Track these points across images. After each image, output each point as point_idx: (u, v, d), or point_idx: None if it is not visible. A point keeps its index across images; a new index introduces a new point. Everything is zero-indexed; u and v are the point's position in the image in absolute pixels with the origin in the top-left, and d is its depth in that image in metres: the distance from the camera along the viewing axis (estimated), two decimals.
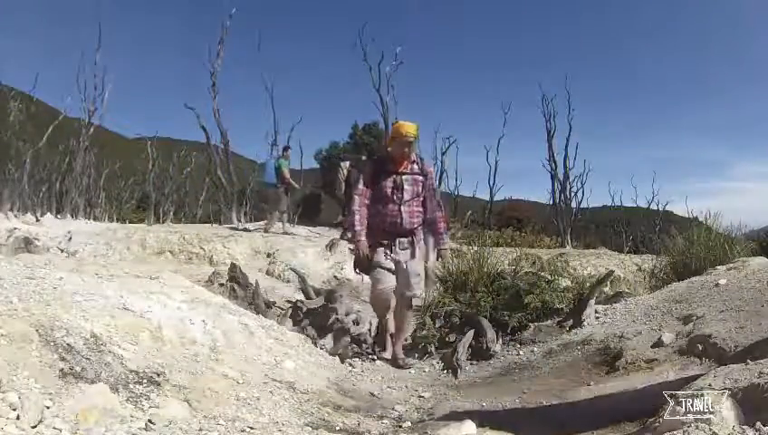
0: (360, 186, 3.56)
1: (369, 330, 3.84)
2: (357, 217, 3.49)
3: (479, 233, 10.89)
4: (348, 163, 8.49)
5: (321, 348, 3.33)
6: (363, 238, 3.46)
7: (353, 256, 3.62)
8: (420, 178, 3.56)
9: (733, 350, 2.42)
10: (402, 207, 3.49)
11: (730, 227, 6.27)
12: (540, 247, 11.32)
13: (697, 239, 5.20)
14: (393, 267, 3.47)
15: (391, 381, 3.19)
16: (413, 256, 3.52)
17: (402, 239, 3.50)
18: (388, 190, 3.50)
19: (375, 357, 3.59)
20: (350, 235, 3.57)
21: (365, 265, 3.54)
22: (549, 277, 4.39)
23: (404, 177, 3.52)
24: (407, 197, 3.51)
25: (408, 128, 3.52)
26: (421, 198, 3.58)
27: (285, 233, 9.26)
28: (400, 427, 2.23)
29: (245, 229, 9.78)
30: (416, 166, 3.58)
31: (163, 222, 14.15)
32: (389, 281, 3.46)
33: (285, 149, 10.15)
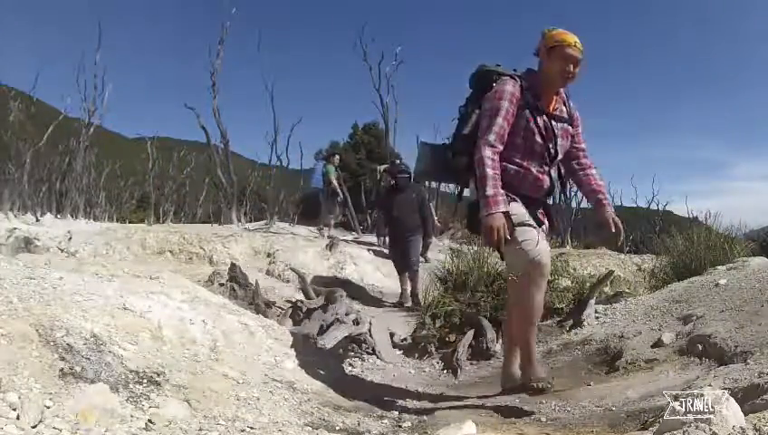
0: (499, 119, 2.26)
1: (369, 330, 3.83)
2: (490, 170, 2.22)
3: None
4: (383, 167, 8.37)
5: (320, 348, 3.32)
6: (502, 208, 2.19)
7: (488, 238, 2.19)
8: (570, 129, 2.49)
9: (733, 350, 2.43)
10: (552, 170, 2.45)
11: (730, 227, 6.31)
12: None
13: (697, 239, 5.21)
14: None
15: (391, 381, 3.19)
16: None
17: (539, 211, 2.48)
18: (538, 139, 2.35)
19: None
20: (485, 205, 2.19)
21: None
22: (549, 277, 4.39)
23: (554, 122, 2.40)
24: (560, 153, 2.44)
25: (576, 38, 2.31)
26: None
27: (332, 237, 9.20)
28: (400, 427, 2.23)
29: (246, 229, 9.78)
30: (564, 108, 2.47)
31: (163, 222, 14.14)
32: (544, 241, 2.36)
33: (332, 155, 10.18)
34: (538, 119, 2.34)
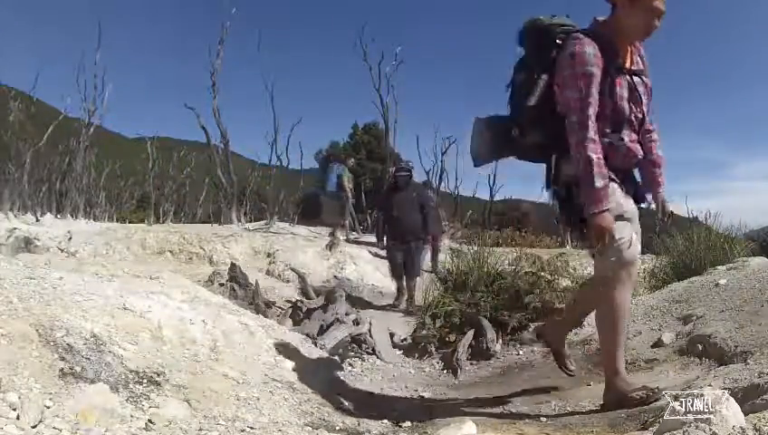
0: (592, 89, 1.97)
1: (369, 330, 3.83)
2: (595, 156, 1.94)
3: (479, 233, 10.89)
4: (393, 169, 8.22)
5: (320, 348, 3.33)
6: (609, 204, 1.97)
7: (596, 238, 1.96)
8: (648, 81, 2.18)
9: (733, 350, 2.43)
10: (641, 135, 2.16)
11: (730, 227, 6.30)
12: (540, 247, 11.31)
13: (697, 239, 5.21)
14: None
15: (391, 381, 3.19)
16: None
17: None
18: (626, 104, 2.07)
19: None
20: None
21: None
22: (549, 277, 4.40)
23: (635, 79, 2.11)
24: (647, 115, 2.16)
25: None
26: None
27: (347, 241, 9.14)
28: (400, 427, 2.23)
29: (246, 229, 9.79)
30: (638, 58, 2.17)
31: (163, 222, 14.15)
32: (637, 241, 2.09)
33: (348, 157, 10.11)
34: (622, 81, 2.06)
